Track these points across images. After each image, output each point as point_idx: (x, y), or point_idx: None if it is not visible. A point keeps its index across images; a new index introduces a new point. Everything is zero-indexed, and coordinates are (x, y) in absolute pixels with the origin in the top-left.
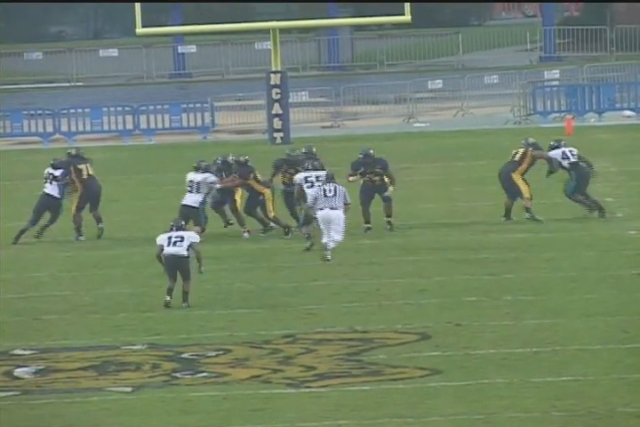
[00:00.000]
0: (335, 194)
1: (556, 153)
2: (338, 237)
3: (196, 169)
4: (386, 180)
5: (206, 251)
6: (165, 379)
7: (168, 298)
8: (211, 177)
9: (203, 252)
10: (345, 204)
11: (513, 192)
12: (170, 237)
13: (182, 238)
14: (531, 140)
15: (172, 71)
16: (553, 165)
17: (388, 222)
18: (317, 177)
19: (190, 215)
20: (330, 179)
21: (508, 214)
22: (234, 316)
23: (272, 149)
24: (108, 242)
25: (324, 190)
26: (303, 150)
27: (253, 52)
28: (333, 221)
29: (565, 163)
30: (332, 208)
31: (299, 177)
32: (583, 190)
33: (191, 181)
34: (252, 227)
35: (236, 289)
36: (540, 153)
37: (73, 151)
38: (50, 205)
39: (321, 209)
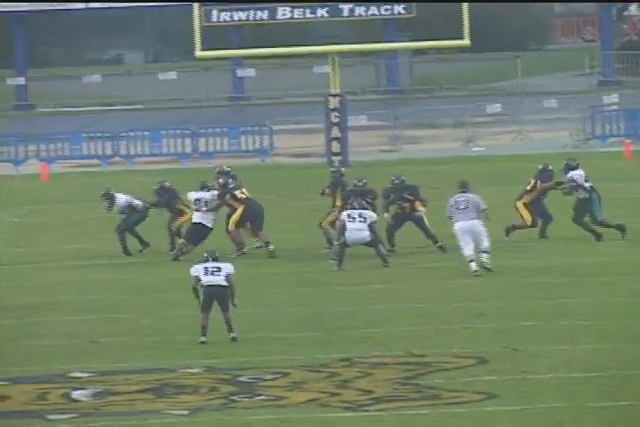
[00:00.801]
0: (467, 207)
1: (578, 174)
2: (485, 243)
3: (201, 188)
4: (419, 207)
5: (262, 274)
6: (223, 402)
7: (203, 339)
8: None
9: (257, 275)
10: (481, 211)
11: (541, 215)
12: (206, 268)
13: (219, 269)
14: (541, 166)
15: (230, 94)
16: (570, 188)
17: (440, 247)
18: (360, 214)
19: (203, 234)
20: (464, 188)
21: (542, 234)
22: (291, 339)
23: (330, 173)
24: (166, 265)
25: (457, 202)
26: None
27: (312, 76)
28: (472, 231)
29: (587, 185)
30: (468, 219)
31: (343, 214)
32: (583, 215)
33: (198, 200)
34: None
35: (294, 313)
36: (549, 185)
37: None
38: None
39: (457, 221)
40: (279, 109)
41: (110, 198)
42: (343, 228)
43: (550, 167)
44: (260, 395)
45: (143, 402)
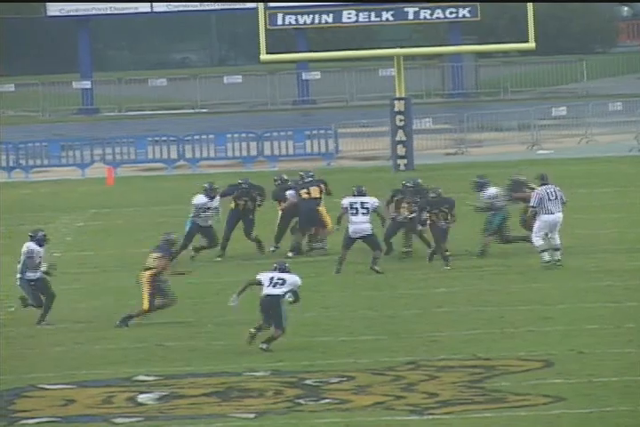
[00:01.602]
0: (556, 198)
1: (494, 192)
2: (559, 240)
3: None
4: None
5: (331, 277)
6: (288, 405)
7: (253, 330)
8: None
9: (324, 278)
10: (564, 203)
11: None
12: (272, 278)
13: (284, 281)
14: (515, 177)
15: (295, 98)
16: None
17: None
18: (362, 203)
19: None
20: (545, 180)
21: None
22: (357, 343)
23: (396, 176)
24: (232, 267)
25: (548, 193)
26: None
27: (377, 79)
28: (556, 223)
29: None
30: (557, 211)
31: (345, 202)
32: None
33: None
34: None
35: (360, 316)
36: (521, 195)
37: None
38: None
39: (547, 213)
40: (344, 113)
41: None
42: (342, 216)
43: (520, 178)
44: (325, 398)
45: (209, 405)
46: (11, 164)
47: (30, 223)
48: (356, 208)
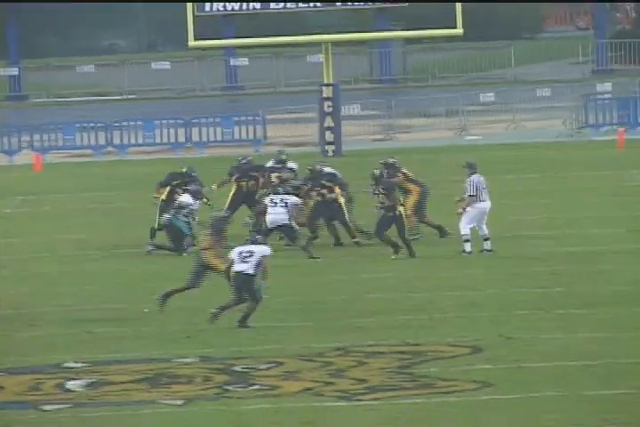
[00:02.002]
0: (485, 187)
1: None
2: (486, 229)
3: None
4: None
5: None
6: (217, 392)
7: (215, 310)
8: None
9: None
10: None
11: None
12: (240, 253)
13: (251, 253)
14: (390, 160)
15: (224, 84)
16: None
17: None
18: (283, 200)
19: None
20: (474, 168)
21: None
22: (285, 329)
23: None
24: (165, 256)
25: (480, 182)
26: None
27: (305, 65)
28: (485, 212)
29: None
30: (488, 200)
31: (267, 200)
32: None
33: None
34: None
35: (288, 302)
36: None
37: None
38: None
39: (483, 200)
40: (273, 99)
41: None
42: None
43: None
44: (254, 384)
45: (138, 392)
46: None
47: None
48: (276, 202)
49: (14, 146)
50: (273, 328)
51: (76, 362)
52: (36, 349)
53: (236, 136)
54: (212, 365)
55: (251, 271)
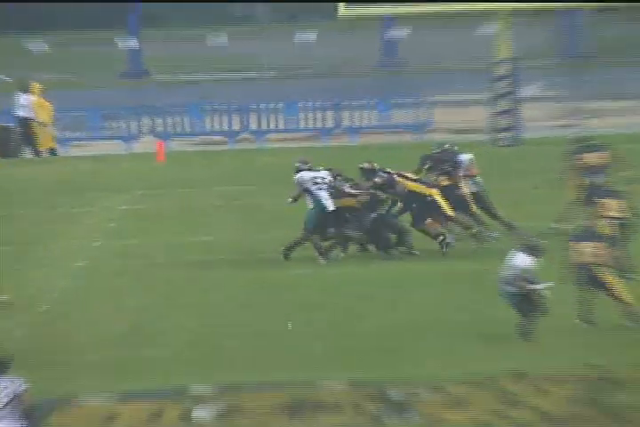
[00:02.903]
0: None
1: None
2: None
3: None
4: None
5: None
6: (369, 422)
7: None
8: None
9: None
10: None
11: None
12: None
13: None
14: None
15: (379, 60)
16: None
17: None
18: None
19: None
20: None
21: None
22: (447, 347)
23: (496, 152)
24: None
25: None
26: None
27: (476, 38)
28: None
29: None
30: None
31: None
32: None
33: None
34: None
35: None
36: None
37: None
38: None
39: None
40: (437, 78)
41: None
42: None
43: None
44: (412, 413)
45: (275, 423)
46: None
47: (66, 207)
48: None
49: (133, 131)
50: (436, 347)
51: (203, 386)
52: (158, 370)
53: (394, 121)
54: (364, 390)
55: None
